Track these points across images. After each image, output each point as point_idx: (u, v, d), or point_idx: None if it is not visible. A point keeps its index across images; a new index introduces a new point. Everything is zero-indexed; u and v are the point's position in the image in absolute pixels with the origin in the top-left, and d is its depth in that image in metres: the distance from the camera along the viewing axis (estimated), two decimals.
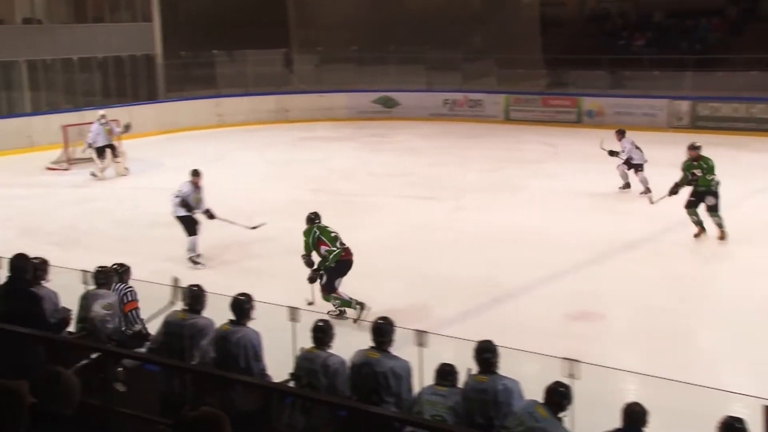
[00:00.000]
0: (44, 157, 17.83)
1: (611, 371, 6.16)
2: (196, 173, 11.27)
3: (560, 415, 4.81)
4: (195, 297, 6.10)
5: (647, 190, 13.79)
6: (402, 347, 5.53)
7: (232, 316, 5.76)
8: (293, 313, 5.42)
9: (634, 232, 12.00)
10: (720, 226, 11.49)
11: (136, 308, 7.05)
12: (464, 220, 13.17)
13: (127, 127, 17.10)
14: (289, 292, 8.94)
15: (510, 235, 12.04)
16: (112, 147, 16.74)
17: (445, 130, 22.61)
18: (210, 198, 14.03)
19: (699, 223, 11.60)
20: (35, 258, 6.93)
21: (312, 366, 5.38)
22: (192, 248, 10.97)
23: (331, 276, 8.83)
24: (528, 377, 5.21)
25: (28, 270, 6.69)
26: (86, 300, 6.68)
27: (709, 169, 11.53)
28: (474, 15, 27.97)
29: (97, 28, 22.87)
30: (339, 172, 17.35)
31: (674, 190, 11.77)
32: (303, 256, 9.05)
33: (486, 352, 5.20)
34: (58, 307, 6.72)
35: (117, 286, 6.96)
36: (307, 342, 5.56)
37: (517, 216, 13.29)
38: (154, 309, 7.46)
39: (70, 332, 6.66)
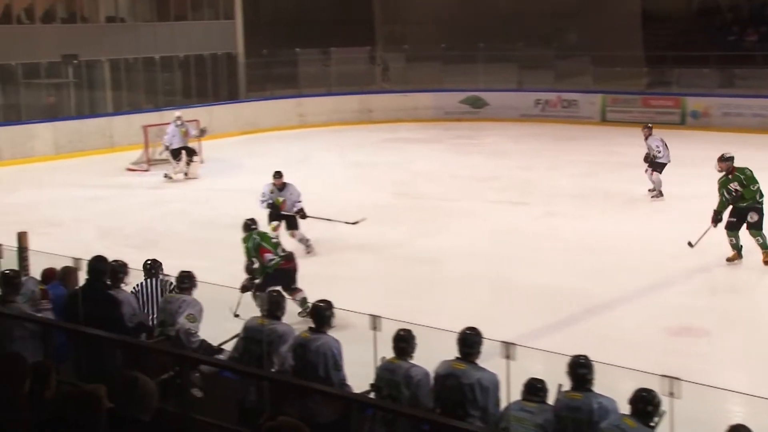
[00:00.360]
0: (124, 158, 18.40)
1: (715, 391, 5.95)
2: (277, 175, 11.67)
3: (651, 423, 4.70)
4: (275, 302, 6.19)
5: (659, 194, 14.17)
6: (488, 359, 5.47)
7: (311, 324, 5.82)
8: (375, 321, 5.43)
9: (744, 243, 11.59)
10: (765, 246, 10.58)
11: None
12: (555, 226, 12.99)
13: (203, 131, 17.51)
14: (369, 299, 8.96)
15: (604, 243, 11.80)
16: (187, 149, 17.13)
17: (536, 132, 22.36)
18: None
19: (737, 247, 10.68)
20: (115, 261, 7.16)
21: (393, 377, 5.38)
22: (303, 239, 11.59)
23: (267, 284, 8.58)
24: (624, 395, 5.08)
25: (107, 272, 6.90)
26: (169, 305, 6.82)
27: (750, 179, 10.56)
28: (569, 9, 27.57)
29: (179, 27, 23.49)
30: (423, 174, 17.35)
31: (716, 219, 10.65)
32: (245, 264, 9.06)
33: (580, 368, 5.09)
34: (137, 311, 6.92)
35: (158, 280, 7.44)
36: (388, 351, 5.57)
37: (612, 223, 13.03)
38: (228, 314, 7.62)
39: (148, 336, 6.85)
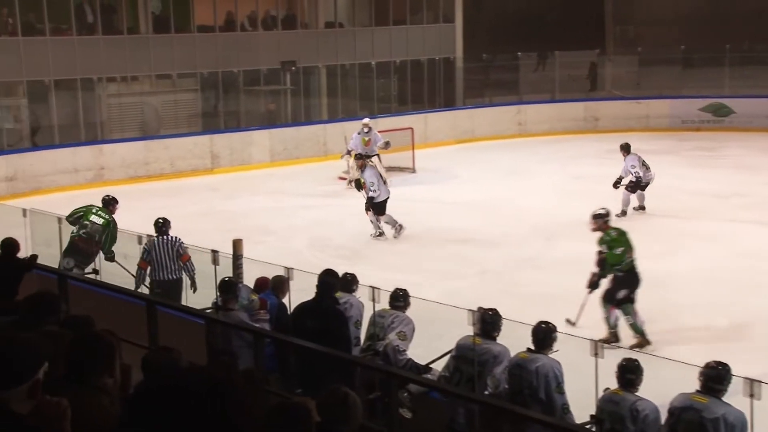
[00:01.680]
0: (336, 166, 19.11)
1: None
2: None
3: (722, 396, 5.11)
4: (490, 322, 6.20)
5: (623, 213, 14.25)
6: (729, 398, 5.22)
7: (530, 345, 5.80)
8: (596, 347, 5.31)
9: None
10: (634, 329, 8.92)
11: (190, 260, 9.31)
12: None
13: (387, 144, 17.80)
14: (589, 324, 8.76)
15: None
16: (367, 157, 17.58)
17: None
18: (503, 214, 14.19)
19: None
20: (348, 273, 7.44)
21: (617, 410, 5.27)
22: (390, 222, 13.37)
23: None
24: None
25: (336, 287, 7.15)
26: (381, 319, 6.99)
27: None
28: None
29: (397, 31, 24.12)
30: (654, 190, 16.70)
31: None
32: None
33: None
34: (360, 319, 7.14)
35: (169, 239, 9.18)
36: (608, 381, 5.43)
37: None
38: (439, 332, 7.69)
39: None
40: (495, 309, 6.29)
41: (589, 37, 27.13)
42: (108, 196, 10.91)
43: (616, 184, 14.63)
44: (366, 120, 18.00)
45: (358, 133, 17.59)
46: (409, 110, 23.57)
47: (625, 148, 14.96)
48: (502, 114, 24.18)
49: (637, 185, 14.64)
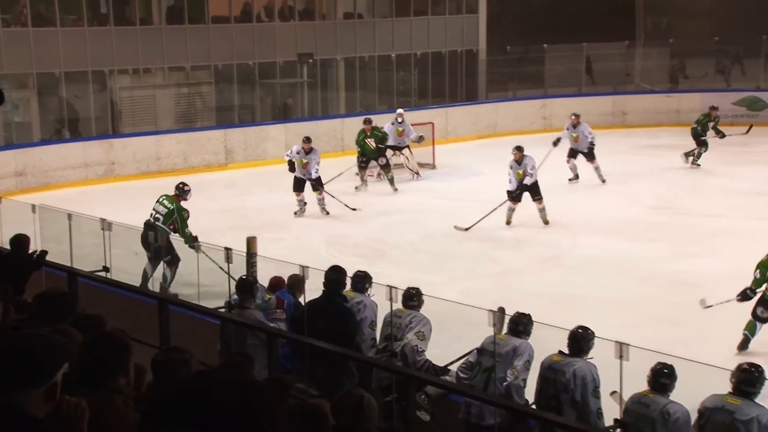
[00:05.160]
0: (354, 162, 19.10)
1: None
2: (306, 140, 15.00)
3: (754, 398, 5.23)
4: (523, 323, 6.26)
5: (576, 177, 16.73)
6: (762, 401, 5.26)
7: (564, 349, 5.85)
8: (621, 348, 5.32)
9: None
10: None
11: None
12: None
13: (420, 138, 17.88)
14: (618, 324, 8.75)
15: None
16: (397, 149, 17.77)
17: None
18: (526, 212, 14.21)
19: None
20: (360, 271, 7.48)
21: (647, 412, 5.30)
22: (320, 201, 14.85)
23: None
24: None
25: (344, 284, 7.18)
26: (398, 319, 6.99)
27: None
28: None
29: (418, 22, 24.11)
30: (685, 187, 16.68)
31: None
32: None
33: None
34: (374, 319, 7.16)
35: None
36: (636, 384, 5.44)
37: None
38: (457, 333, 7.70)
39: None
40: (528, 314, 6.36)
41: (620, 28, 26.97)
42: (180, 183, 11.28)
43: (556, 143, 16.62)
44: (400, 110, 18.15)
45: (392, 123, 17.69)
46: (430, 104, 23.57)
47: (576, 116, 17.07)
48: (527, 108, 24.12)
49: (582, 152, 16.73)
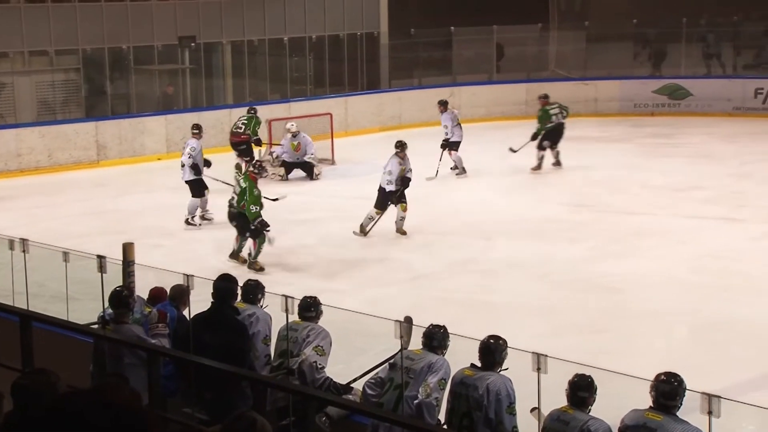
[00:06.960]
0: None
1: None
2: (196, 127, 15.02)
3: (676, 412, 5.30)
4: (438, 338, 6.35)
5: (462, 170, 17.33)
6: (685, 414, 5.34)
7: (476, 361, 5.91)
8: (539, 360, 5.38)
9: None
10: None
11: None
12: None
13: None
14: (534, 333, 8.88)
15: None
16: (296, 166, 17.91)
17: (754, 130, 21.60)
18: (437, 210, 14.35)
19: None
20: (251, 280, 7.39)
21: (567, 430, 5.38)
22: (192, 210, 14.36)
23: None
24: None
25: (236, 295, 7.09)
26: (295, 333, 6.91)
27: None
28: None
29: (313, 2, 23.97)
30: (606, 182, 17.03)
31: None
32: None
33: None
34: (269, 335, 7.08)
35: None
36: (556, 399, 5.51)
37: None
38: (362, 346, 7.70)
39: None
40: (444, 326, 6.37)
41: (531, 10, 27.41)
42: (257, 161, 13.54)
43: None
44: (289, 125, 17.92)
45: (285, 138, 17.59)
46: (328, 93, 23.53)
47: (443, 104, 18.06)
48: (433, 97, 24.19)
49: (447, 143, 17.36)
